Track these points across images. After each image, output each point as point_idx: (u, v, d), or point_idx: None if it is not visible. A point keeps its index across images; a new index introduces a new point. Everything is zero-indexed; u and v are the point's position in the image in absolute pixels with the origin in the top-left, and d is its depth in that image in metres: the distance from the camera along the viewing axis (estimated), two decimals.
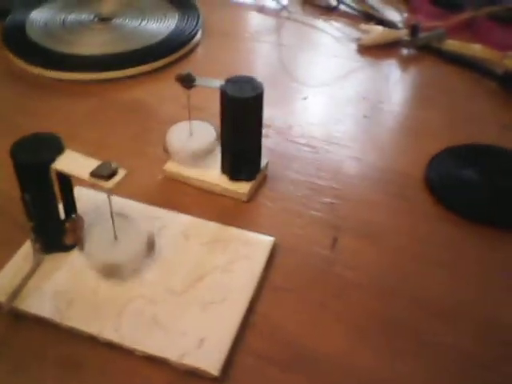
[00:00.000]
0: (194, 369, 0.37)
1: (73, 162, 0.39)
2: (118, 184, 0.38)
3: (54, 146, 0.40)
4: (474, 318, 0.43)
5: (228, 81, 0.48)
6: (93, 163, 0.39)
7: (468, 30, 0.80)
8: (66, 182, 0.42)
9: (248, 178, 0.52)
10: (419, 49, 0.76)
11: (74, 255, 0.44)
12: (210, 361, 0.38)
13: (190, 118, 0.52)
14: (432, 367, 0.40)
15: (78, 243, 0.43)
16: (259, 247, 0.45)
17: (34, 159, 0.39)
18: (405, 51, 0.77)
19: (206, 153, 0.53)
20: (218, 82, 0.48)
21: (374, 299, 0.44)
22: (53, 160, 0.39)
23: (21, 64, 0.69)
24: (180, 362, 0.38)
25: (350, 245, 0.49)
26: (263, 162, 0.53)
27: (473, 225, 0.50)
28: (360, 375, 0.39)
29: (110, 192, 0.39)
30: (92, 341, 0.40)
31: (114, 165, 0.38)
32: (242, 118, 0.47)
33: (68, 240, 0.43)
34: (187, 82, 0.48)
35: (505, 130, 0.62)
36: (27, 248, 0.44)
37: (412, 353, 0.41)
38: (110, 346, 0.39)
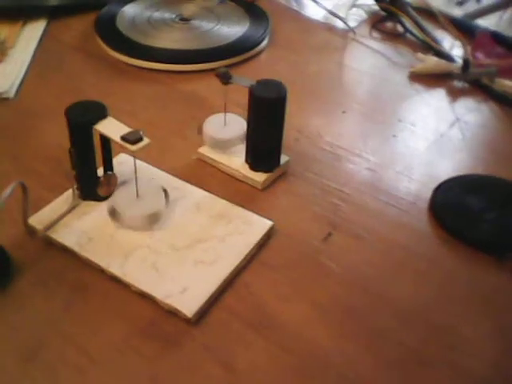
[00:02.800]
0: (174, 309, 0.45)
1: (111, 127, 0.48)
2: (142, 149, 0.47)
3: (100, 112, 0.49)
4: (428, 323, 0.47)
5: (258, 82, 0.55)
6: (126, 130, 0.48)
7: None
8: (107, 144, 0.52)
9: (266, 170, 0.59)
10: (470, 83, 0.80)
11: (105, 205, 0.53)
12: (188, 305, 0.45)
13: (225, 111, 0.60)
14: (378, 357, 0.45)
15: (109, 196, 0.52)
16: (257, 227, 0.52)
17: (81, 119, 0.48)
18: (456, 84, 0.80)
19: (235, 143, 0.60)
20: (249, 82, 0.55)
21: (344, 290, 0.49)
22: (95, 122, 0.48)
23: (107, 50, 0.81)
24: (164, 301, 0.45)
25: (341, 242, 0.54)
26: (283, 159, 0.60)
27: (467, 248, 0.54)
28: (311, 349, 0.45)
29: (134, 155, 0.47)
30: (100, 273, 0.48)
31: (141, 133, 0.47)
32: (263, 115, 0.55)
33: (101, 192, 0.53)
34: (224, 78, 0.56)
35: None
36: (70, 193, 0.54)
37: (363, 341, 0.46)
38: (114, 280, 0.48)
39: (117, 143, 0.47)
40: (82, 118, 0.49)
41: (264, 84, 0.55)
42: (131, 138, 0.46)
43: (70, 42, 0.84)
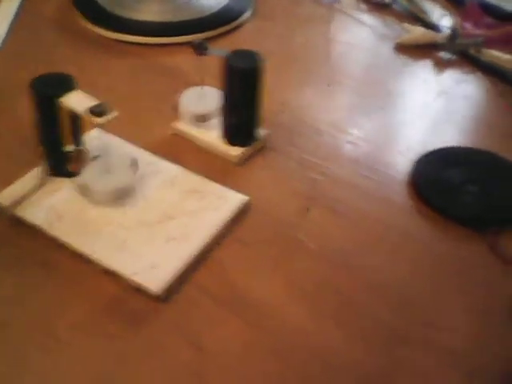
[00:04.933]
0: (142, 286, 0.44)
1: (77, 99, 0.47)
2: (109, 121, 0.45)
3: (67, 85, 0.48)
4: (405, 298, 0.46)
5: (234, 52, 0.53)
6: (93, 102, 0.46)
7: None
8: (76, 119, 0.50)
9: (243, 144, 0.57)
10: (458, 54, 0.78)
11: (75, 182, 0.51)
12: (155, 282, 0.44)
13: (202, 84, 0.58)
14: (354, 334, 0.44)
15: (79, 171, 0.51)
16: (231, 203, 0.51)
17: (46, 92, 0.47)
18: (443, 55, 0.78)
19: (211, 116, 0.59)
20: (225, 52, 0.53)
21: (323, 267, 0.48)
22: (61, 95, 0.46)
23: (85, 23, 0.78)
24: (131, 278, 0.44)
25: (319, 217, 0.53)
26: (263, 133, 0.59)
27: (446, 221, 0.53)
28: (289, 328, 0.44)
29: (101, 127, 0.46)
30: (69, 251, 0.47)
31: (107, 105, 0.45)
32: (237, 86, 0.53)
33: (71, 167, 0.51)
34: (199, 48, 0.54)
35: (509, 139, 0.63)
36: (39, 170, 0.52)
37: (339, 318, 0.45)
38: (83, 258, 0.47)
39: (83, 116, 0.46)
40: (47, 90, 0.47)
41: (239, 54, 0.53)
42: (97, 111, 0.45)
43: (47, 16, 0.82)
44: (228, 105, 0.55)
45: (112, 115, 0.45)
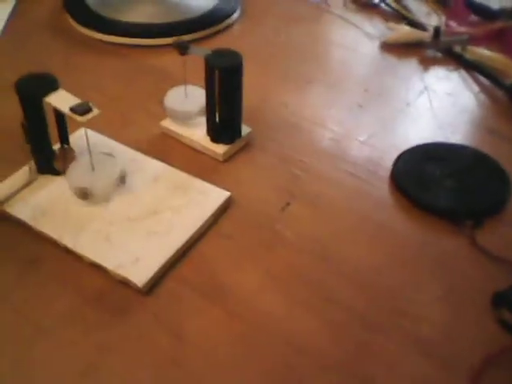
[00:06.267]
0: (125, 279, 0.45)
1: (61, 99, 0.48)
2: (90, 120, 0.47)
3: (51, 85, 0.49)
4: (379, 287, 0.48)
5: (214, 52, 0.55)
6: (76, 101, 0.47)
7: (499, 40, 0.81)
8: (62, 118, 0.51)
9: (227, 142, 0.58)
10: (443, 52, 0.79)
11: (61, 179, 0.53)
12: (139, 275, 0.45)
13: (185, 82, 0.60)
14: (327, 323, 0.45)
15: (65, 169, 0.52)
16: (213, 198, 0.52)
17: (30, 92, 0.48)
18: (428, 53, 0.79)
19: (196, 115, 0.60)
20: (206, 51, 0.55)
21: (299, 258, 0.50)
22: (46, 94, 0.48)
23: (75, 26, 0.80)
24: (115, 271, 0.46)
25: (298, 212, 0.54)
26: (245, 130, 0.60)
27: (425, 214, 0.54)
28: (264, 315, 0.45)
29: (84, 125, 0.47)
30: (54, 246, 0.49)
31: (90, 104, 0.47)
32: (218, 85, 0.54)
33: (57, 165, 0.52)
34: (181, 48, 0.55)
35: (490, 135, 0.64)
36: (27, 168, 0.53)
37: (314, 308, 0.46)
38: (68, 252, 0.48)
39: (66, 114, 0.47)
40: (32, 90, 0.48)
41: (219, 53, 0.55)
42: (80, 109, 0.46)
43: (39, 19, 0.83)
44: (211, 103, 0.56)
45: (94, 114, 0.47)
